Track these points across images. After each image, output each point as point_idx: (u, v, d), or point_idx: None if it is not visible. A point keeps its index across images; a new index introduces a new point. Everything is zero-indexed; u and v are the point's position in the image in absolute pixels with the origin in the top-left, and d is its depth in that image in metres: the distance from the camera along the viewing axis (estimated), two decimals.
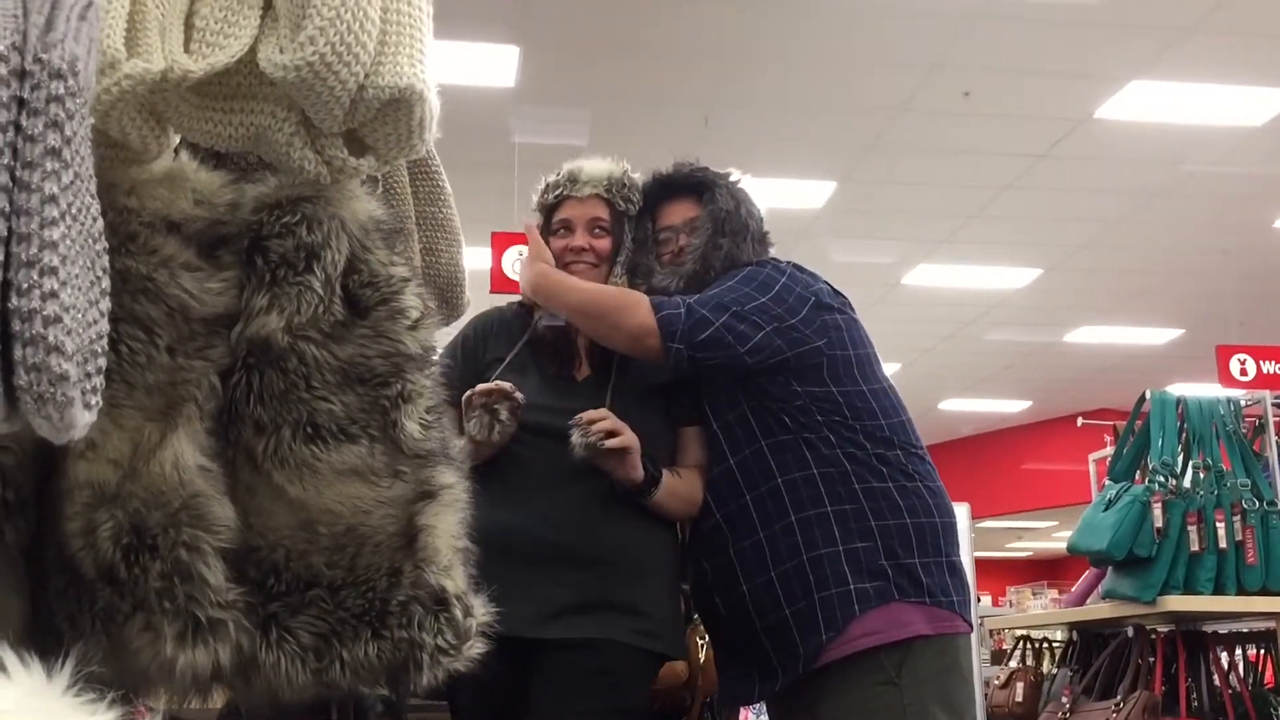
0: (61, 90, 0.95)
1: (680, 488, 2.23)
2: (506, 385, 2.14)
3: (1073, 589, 4.66)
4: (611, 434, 2.11)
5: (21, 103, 0.94)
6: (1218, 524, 3.47)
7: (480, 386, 2.14)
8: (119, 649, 1.15)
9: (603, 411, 2.14)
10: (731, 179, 2.38)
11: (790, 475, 2.17)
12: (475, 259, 3.52)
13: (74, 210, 0.95)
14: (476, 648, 1.30)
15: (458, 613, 1.28)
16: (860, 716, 2.09)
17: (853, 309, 2.35)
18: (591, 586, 2.11)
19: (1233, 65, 6.32)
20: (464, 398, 2.13)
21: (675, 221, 2.37)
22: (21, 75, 0.94)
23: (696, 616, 2.43)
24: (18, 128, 0.93)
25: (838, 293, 2.34)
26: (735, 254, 2.30)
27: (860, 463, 2.18)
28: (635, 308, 2.18)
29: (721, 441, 2.24)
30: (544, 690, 2.09)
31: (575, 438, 2.10)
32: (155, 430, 1.18)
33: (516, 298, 2.47)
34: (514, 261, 6.18)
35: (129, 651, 1.15)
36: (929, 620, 2.13)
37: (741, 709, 3.27)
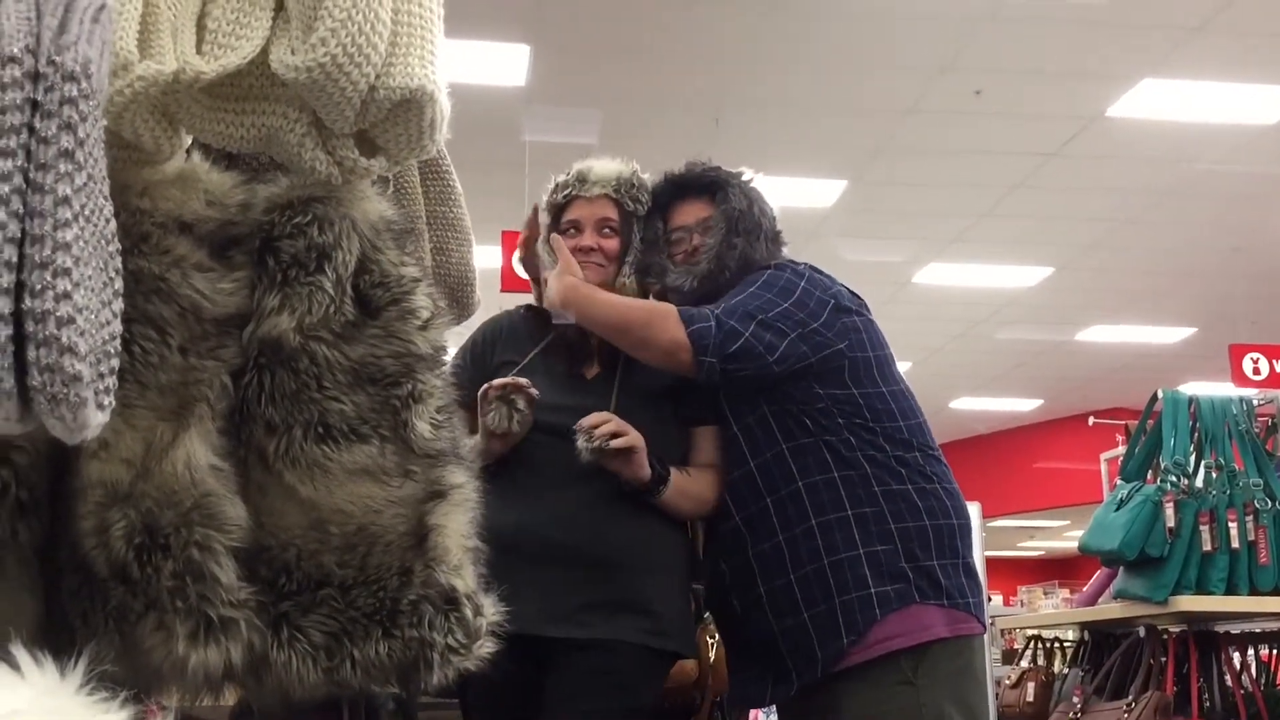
0: (75, 92, 0.95)
1: (690, 486, 2.23)
2: (521, 380, 2.15)
3: (1084, 589, 4.65)
4: (616, 435, 2.11)
5: (35, 105, 0.95)
6: (1230, 524, 3.45)
7: (495, 381, 2.15)
8: (131, 648, 1.16)
9: (605, 415, 2.14)
10: (744, 178, 2.38)
11: (811, 479, 2.17)
12: (486, 258, 3.53)
13: (87, 212, 0.96)
14: (486, 646, 1.30)
15: (468, 612, 1.28)
16: (876, 716, 2.09)
17: (869, 310, 2.35)
18: (601, 585, 2.12)
19: (1244, 63, 6.30)
20: (480, 392, 2.14)
21: (688, 221, 2.36)
22: (35, 78, 0.95)
23: (707, 615, 2.43)
24: (31, 130, 0.94)
25: (855, 294, 2.34)
26: (749, 253, 2.29)
27: (880, 465, 2.18)
28: (665, 322, 2.16)
29: (742, 444, 2.23)
30: (555, 690, 2.10)
31: (580, 442, 2.10)
32: (167, 430, 1.18)
33: (527, 297, 2.47)
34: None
35: (141, 650, 1.16)
36: (948, 622, 2.13)
37: (751, 709, 3.27)
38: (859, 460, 2.18)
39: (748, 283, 2.24)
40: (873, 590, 2.10)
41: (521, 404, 2.14)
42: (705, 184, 2.38)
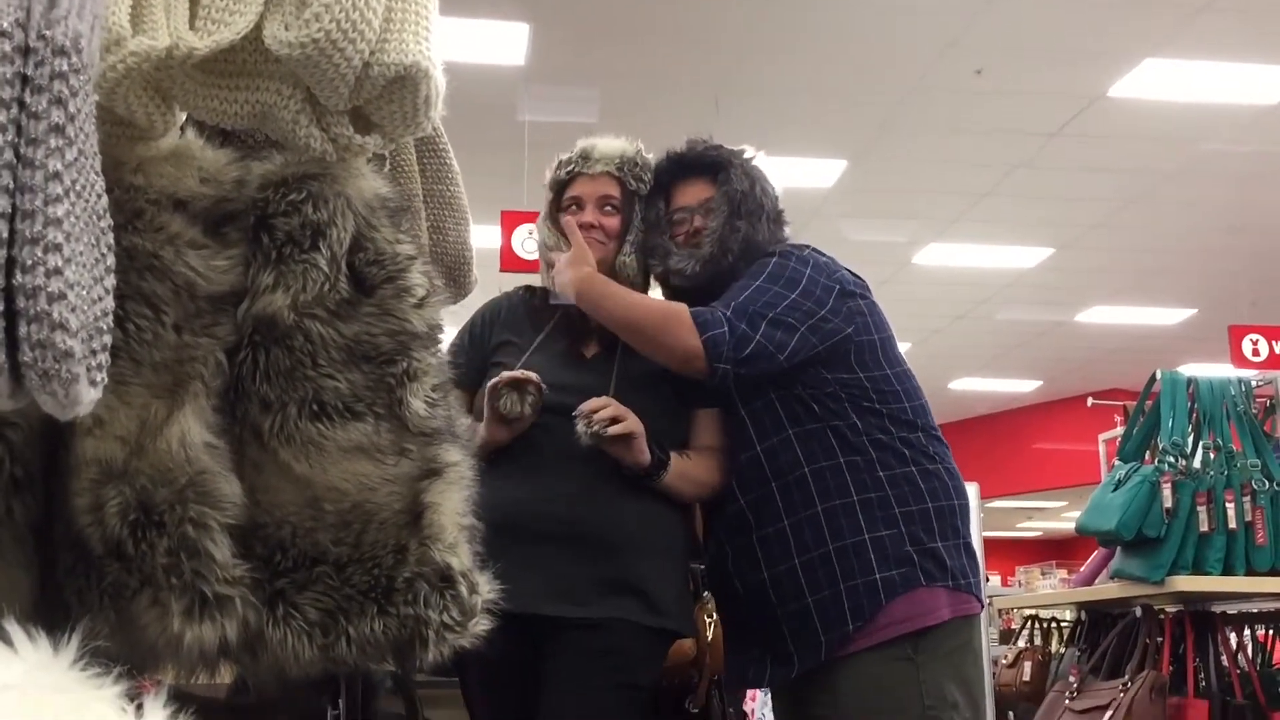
0: (65, 67, 0.95)
1: (691, 470, 2.23)
2: (531, 374, 2.16)
3: (1081, 569, 4.65)
4: (615, 420, 2.11)
5: (25, 79, 0.94)
6: (1227, 504, 3.46)
7: (504, 374, 2.16)
8: (126, 624, 1.16)
9: (604, 400, 2.14)
10: (746, 156, 2.37)
11: (817, 465, 2.17)
12: (484, 237, 3.52)
13: (78, 187, 0.95)
14: (482, 624, 1.30)
15: (463, 590, 1.28)
16: (877, 694, 2.11)
17: (871, 292, 2.35)
18: (599, 564, 2.12)
19: (1247, 43, 6.27)
20: (490, 386, 2.15)
21: (690, 202, 2.36)
22: (25, 52, 0.94)
23: (706, 595, 2.44)
24: (21, 104, 0.93)
25: (858, 277, 2.34)
26: (751, 235, 2.29)
27: (885, 448, 2.19)
28: (679, 329, 2.14)
29: (749, 428, 2.23)
30: (552, 669, 2.10)
31: (580, 427, 2.11)
32: (162, 407, 1.18)
33: (526, 277, 2.47)
34: (523, 240, 6.18)
35: (136, 627, 1.16)
36: (951, 604, 2.14)
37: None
38: (864, 445, 2.18)
39: (753, 274, 2.23)
40: (878, 576, 2.11)
41: (531, 388, 2.15)
42: (707, 163, 2.37)
